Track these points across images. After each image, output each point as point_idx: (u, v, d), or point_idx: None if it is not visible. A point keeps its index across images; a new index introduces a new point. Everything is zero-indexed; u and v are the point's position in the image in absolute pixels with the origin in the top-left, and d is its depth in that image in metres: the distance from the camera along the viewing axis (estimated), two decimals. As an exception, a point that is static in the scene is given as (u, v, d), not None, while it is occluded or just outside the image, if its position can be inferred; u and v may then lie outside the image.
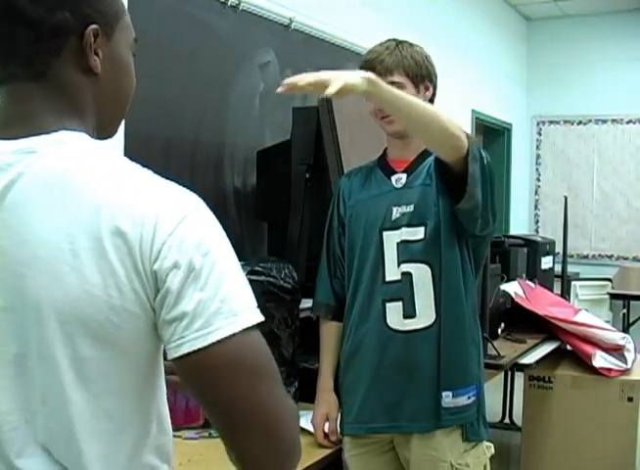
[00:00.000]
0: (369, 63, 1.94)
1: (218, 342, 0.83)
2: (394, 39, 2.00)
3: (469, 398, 1.94)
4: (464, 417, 1.94)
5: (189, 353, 0.83)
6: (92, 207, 0.83)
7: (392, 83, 1.88)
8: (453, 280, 1.92)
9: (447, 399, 1.91)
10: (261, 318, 0.86)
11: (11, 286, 0.86)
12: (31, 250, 0.84)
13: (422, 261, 1.92)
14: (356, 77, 1.62)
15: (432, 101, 2.02)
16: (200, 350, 0.83)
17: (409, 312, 1.91)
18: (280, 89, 1.57)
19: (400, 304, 1.92)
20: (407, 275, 1.92)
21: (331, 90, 1.55)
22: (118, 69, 0.96)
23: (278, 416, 0.87)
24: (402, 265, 1.92)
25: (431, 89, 2.00)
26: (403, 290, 1.92)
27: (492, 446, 2.03)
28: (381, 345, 1.94)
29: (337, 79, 1.56)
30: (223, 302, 0.84)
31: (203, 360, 0.83)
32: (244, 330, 0.84)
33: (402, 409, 1.94)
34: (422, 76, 1.96)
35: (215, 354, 0.83)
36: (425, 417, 1.93)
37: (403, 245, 1.92)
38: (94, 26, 0.90)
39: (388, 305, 1.93)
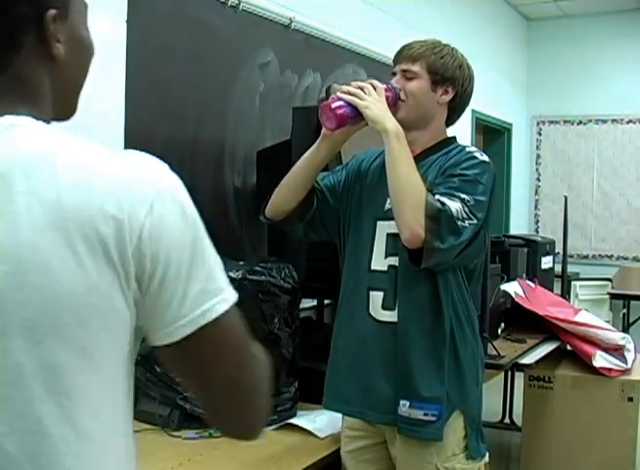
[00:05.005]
0: (400, 50, 1.97)
1: (218, 318, 0.81)
2: (439, 41, 2.01)
3: (425, 414, 1.85)
4: (421, 433, 1.86)
5: (188, 335, 0.80)
6: (54, 195, 0.75)
7: (407, 71, 1.93)
8: (430, 286, 1.87)
9: (404, 407, 1.87)
10: (236, 295, 0.85)
11: None
12: None
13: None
14: (388, 124, 1.81)
15: (453, 110, 1.99)
16: (201, 327, 0.80)
17: (388, 304, 1.91)
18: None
19: (382, 294, 1.92)
20: (393, 268, 1.91)
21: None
22: (79, 48, 0.88)
23: (263, 387, 0.89)
24: (389, 258, 1.92)
25: (451, 94, 1.95)
26: (387, 281, 1.91)
27: (487, 454, 1.97)
28: (361, 330, 1.95)
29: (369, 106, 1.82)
30: (208, 280, 0.81)
31: (205, 336, 0.80)
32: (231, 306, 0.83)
33: (369, 397, 1.93)
34: (444, 78, 1.94)
35: (214, 331, 0.81)
36: (385, 411, 1.91)
37: (392, 237, 1.91)
38: (52, 12, 0.81)
39: (371, 293, 1.94)
